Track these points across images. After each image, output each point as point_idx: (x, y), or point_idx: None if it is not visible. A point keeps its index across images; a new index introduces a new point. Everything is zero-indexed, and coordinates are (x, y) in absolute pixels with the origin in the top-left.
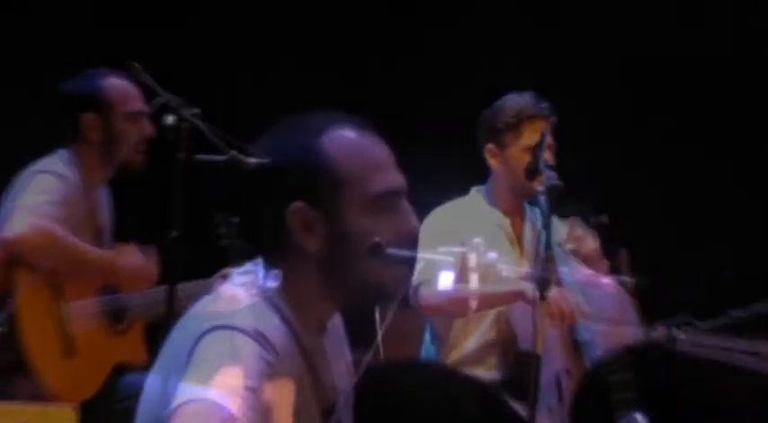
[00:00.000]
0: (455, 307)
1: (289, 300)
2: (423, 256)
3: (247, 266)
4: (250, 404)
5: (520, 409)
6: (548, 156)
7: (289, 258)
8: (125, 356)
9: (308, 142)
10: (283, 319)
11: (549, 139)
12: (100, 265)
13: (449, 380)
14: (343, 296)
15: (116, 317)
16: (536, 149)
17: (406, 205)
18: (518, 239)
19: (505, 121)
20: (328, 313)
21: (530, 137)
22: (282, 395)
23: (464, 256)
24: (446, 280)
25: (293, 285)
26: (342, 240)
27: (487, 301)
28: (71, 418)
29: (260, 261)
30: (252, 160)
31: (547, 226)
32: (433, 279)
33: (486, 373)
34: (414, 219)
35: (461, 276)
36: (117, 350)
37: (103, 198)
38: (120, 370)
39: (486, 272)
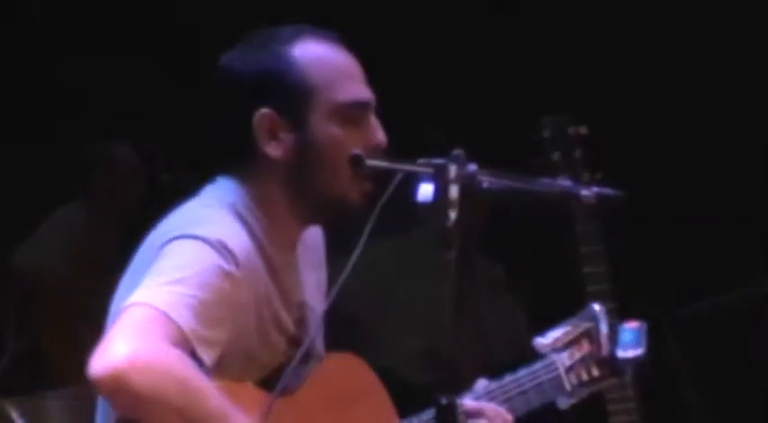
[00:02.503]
0: None
1: (256, 213)
2: (402, 167)
3: (218, 180)
4: (198, 314)
5: None
6: None
7: (255, 169)
8: None
9: (278, 50)
10: (250, 232)
11: None
12: None
13: None
14: (307, 208)
15: None
16: None
17: (374, 119)
18: None
19: None
20: (295, 229)
21: None
22: (242, 307)
23: (444, 167)
24: (426, 191)
25: (260, 197)
26: (308, 149)
27: None
28: None
29: (228, 175)
30: None
31: None
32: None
33: None
34: (381, 132)
35: (441, 187)
36: None
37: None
38: None
39: (468, 183)
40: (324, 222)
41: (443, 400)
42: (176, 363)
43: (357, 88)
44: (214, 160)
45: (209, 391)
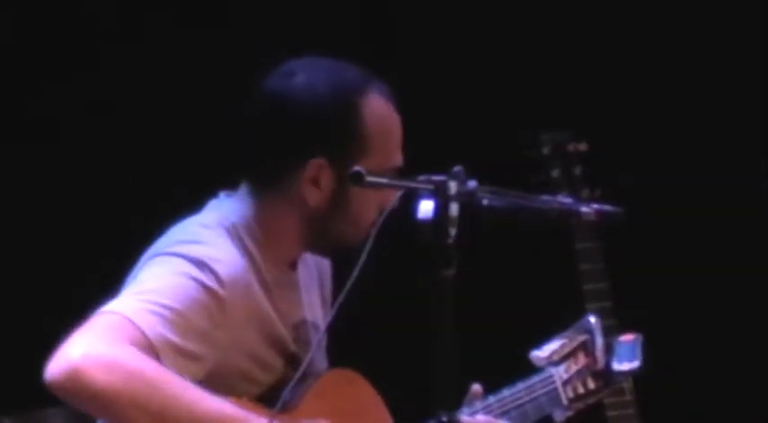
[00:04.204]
0: None
1: (257, 234)
2: (402, 184)
3: (221, 196)
4: (169, 325)
5: None
6: None
7: (279, 199)
8: None
9: (348, 99)
10: (245, 252)
11: None
12: None
13: None
14: (317, 243)
15: None
16: None
17: None
18: None
19: None
20: (295, 252)
21: None
22: (230, 325)
23: (445, 184)
24: (426, 207)
25: (269, 222)
26: (342, 202)
27: None
28: None
29: (242, 189)
30: None
31: None
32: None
33: None
34: (396, 195)
35: (441, 204)
36: None
37: None
38: None
39: (467, 200)
40: (326, 255)
41: (444, 418)
42: (131, 357)
43: (399, 155)
44: (236, 175)
45: (171, 380)
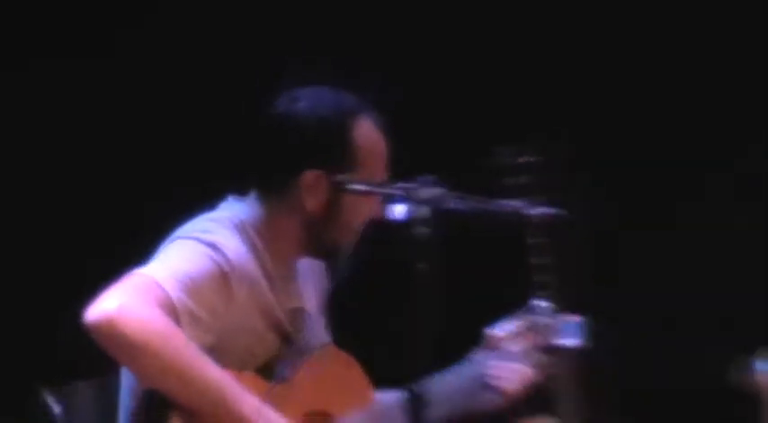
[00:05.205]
0: None
1: (263, 233)
2: (378, 190)
3: (230, 199)
4: (190, 294)
5: None
6: None
7: (283, 204)
8: None
9: (344, 121)
10: (251, 245)
11: None
12: None
13: None
14: (312, 247)
15: None
16: None
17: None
18: None
19: None
20: (295, 254)
21: None
22: (237, 305)
23: (416, 190)
24: (400, 210)
25: (271, 225)
26: (335, 210)
27: None
28: None
29: (251, 195)
30: None
31: None
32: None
33: None
34: (382, 207)
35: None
36: None
37: None
38: None
39: (436, 204)
40: (320, 258)
41: (414, 389)
42: (160, 319)
43: (385, 173)
44: (242, 181)
45: (187, 345)
